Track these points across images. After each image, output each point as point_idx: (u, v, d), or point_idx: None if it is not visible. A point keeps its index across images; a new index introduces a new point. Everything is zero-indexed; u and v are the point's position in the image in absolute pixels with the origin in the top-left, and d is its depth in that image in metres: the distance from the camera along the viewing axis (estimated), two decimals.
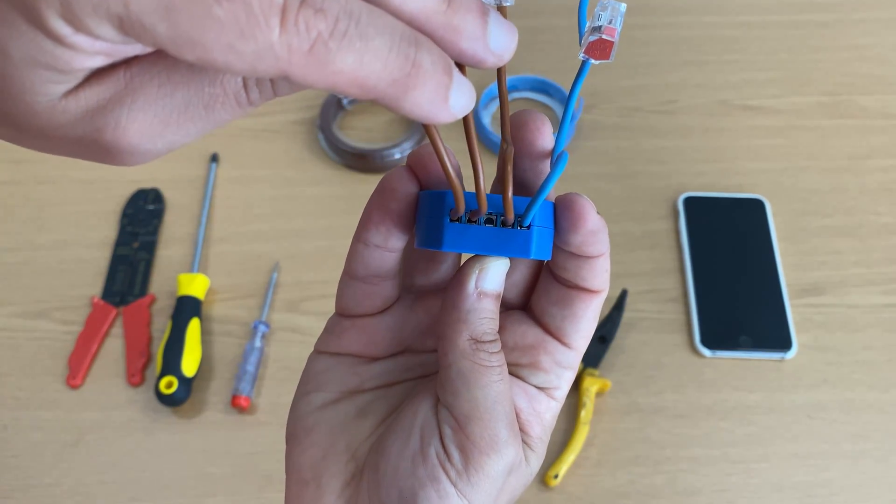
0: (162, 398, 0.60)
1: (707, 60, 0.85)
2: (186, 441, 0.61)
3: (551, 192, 0.28)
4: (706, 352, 0.64)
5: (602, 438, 0.60)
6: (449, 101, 0.21)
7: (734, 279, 0.68)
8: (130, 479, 0.59)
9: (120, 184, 0.74)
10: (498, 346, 0.28)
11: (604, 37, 0.27)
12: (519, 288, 0.31)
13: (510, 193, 0.26)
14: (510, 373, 0.29)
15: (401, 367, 0.31)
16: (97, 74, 0.21)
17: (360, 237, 0.30)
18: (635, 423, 0.61)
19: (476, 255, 0.28)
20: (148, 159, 0.23)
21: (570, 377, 0.30)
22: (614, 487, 0.59)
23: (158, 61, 0.21)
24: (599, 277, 0.29)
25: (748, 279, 0.68)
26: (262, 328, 0.64)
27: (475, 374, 0.27)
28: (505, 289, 0.29)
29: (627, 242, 0.71)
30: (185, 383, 0.61)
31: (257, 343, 0.64)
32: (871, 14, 0.89)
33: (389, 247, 0.29)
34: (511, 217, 0.27)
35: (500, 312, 0.29)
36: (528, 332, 0.30)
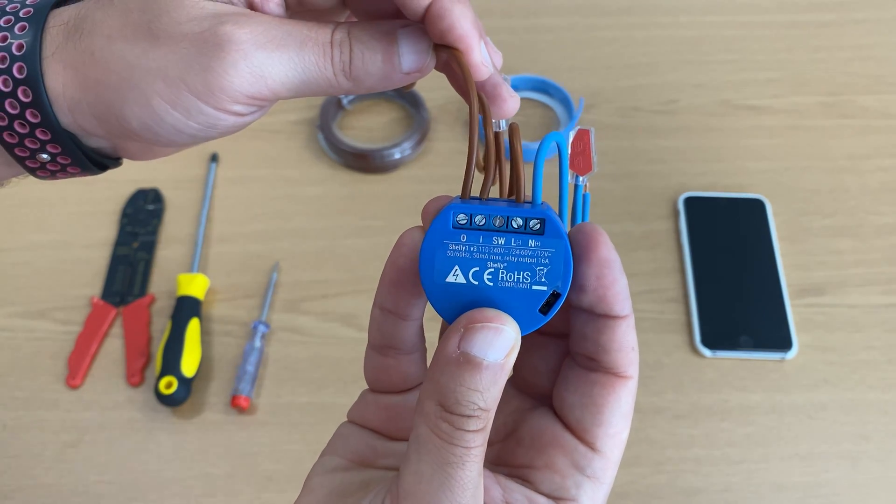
0: (162, 398, 0.60)
1: (707, 60, 0.85)
2: (186, 441, 0.60)
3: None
4: (706, 352, 0.64)
5: None
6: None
7: (734, 279, 0.68)
8: (130, 479, 0.59)
9: (120, 184, 0.74)
10: (479, 425, 0.23)
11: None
12: (550, 375, 0.28)
13: (521, 161, 0.26)
14: (520, 476, 0.26)
15: None
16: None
17: (375, 301, 0.28)
18: (635, 423, 0.61)
19: (472, 313, 0.25)
20: (247, 80, 0.27)
21: (592, 491, 0.25)
22: (614, 487, 0.58)
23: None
24: (625, 356, 0.25)
25: (748, 279, 0.68)
26: (261, 328, 0.64)
27: (430, 444, 0.23)
28: (534, 374, 0.27)
29: (627, 242, 0.71)
30: (185, 383, 0.61)
31: (257, 343, 0.63)
32: (871, 14, 0.89)
33: (403, 313, 0.27)
34: (521, 189, 0.26)
35: (527, 405, 0.27)
36: (547, 428, 0.26)
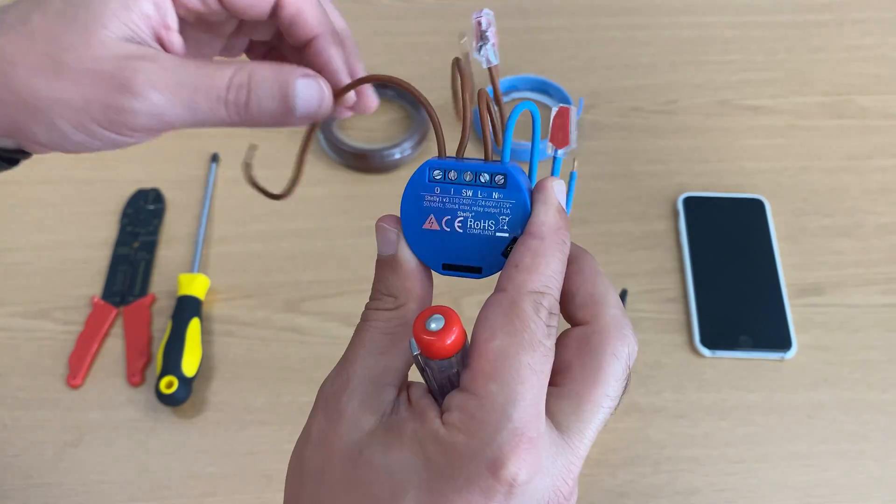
0: (162, 398, 0.60)
1: (707, 60, 0.85)
2: (186, 441, 0.61)
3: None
4: (706, 352, 0.64)
5: (602, 438, 0.60)
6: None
7: (734, 279, 0.68)
8: (130, 479, 0.59)
9: (120, 184, 0.74)
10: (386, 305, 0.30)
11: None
12: None
13: (488, 125, 0.30)
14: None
15: None
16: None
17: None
18: (635, 423, 0.61)
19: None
20: (144, 118, 0.31)
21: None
22: (614, 487, 0.59)
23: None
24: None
25: (748, 279, 0.68)
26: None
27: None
28: None
29: (627, 242, 0.71)
30: (186, 383, 0.61)
31: None
32: (871, 14, 0.89)
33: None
34: (489, 149, 0.30)
35: None
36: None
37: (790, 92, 0.82)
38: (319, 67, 0.35)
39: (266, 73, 0.32)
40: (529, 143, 0.30)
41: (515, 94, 0.81)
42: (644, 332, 0.65)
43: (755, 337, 0.64)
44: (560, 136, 0.30)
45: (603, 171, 0.75)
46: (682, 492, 0.58)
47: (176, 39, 0.34)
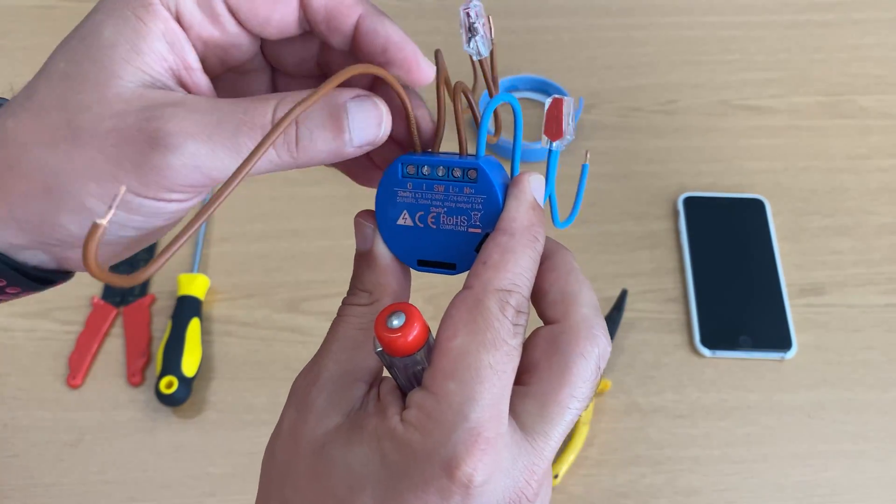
0: (162, 398, 0.60)
1: (707, 60, 0.85)
2: (186, 441, 0.61)
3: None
4: (706, 352, 0.64)
5: (602, 438, 0.60)
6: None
7: (734, 279, 0.68)
8: (130, 479, 0.59)
9: None
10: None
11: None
12: None
13: (462, 118, 0.29)
14: None
15: None
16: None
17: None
18: (635, 423, 0.61)
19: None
20: (181, 174, 0.26)
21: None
22: (614, 487, 0.59)
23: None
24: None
25: (748, 279, 0.68)
26: None
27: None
28: None
29: (627, 242, 0.71)
30: (186, 383, 0.61)
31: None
32: (871, 14, 0.89)
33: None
34: (464, 143, 0.30)
35: None
36: None
37: (790, 92, 0.82)
38: (382, 48, 0.28)
39: (312, 100, 0.27)
40: (536, 143, 0.30)
41: (515, 94, 0.81)
42: (644, 332, 0.65)
43: (755, 337, 0.64)
44: (554, 127, 0.29)
45: (603, 171, 0.75)
46: (682, 492, 0.58)
47: (201, 80, 0.29)
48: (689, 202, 0.72)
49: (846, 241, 0.71)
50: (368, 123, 0.28)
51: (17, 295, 0.31)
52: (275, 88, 0.33)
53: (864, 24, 0.88)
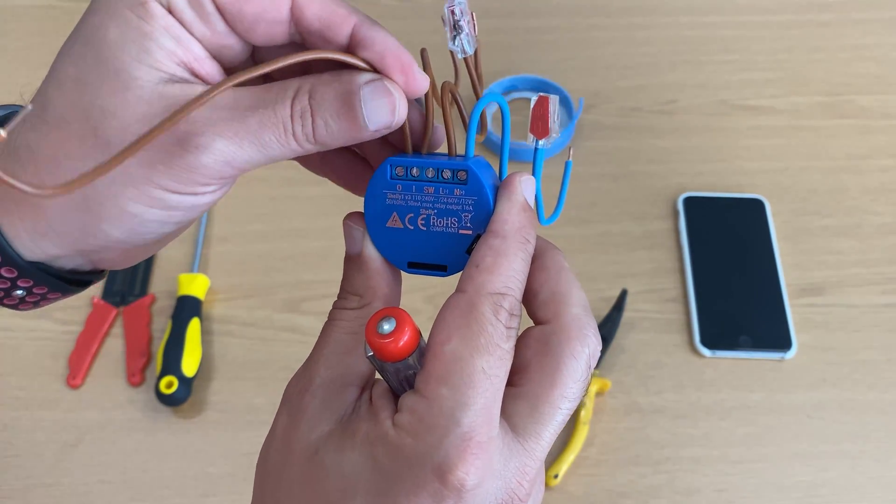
0: (162, 398, 0.60)
1: (707, 60, 0.85)
2: (186, 441, 0.61)
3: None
4: (706, 352, 0.64)
5: (602, 438, 0.60)
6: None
7: (734, 279, 0.68)
8: (130, 479, 0.59)
9: None
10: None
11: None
12: None
13: (451, 119, 0.29)
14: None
15: None
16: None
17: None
18: (635, 423, 0.61)
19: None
20: (212, 169, 0.27)
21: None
22: (614, 487, 0.59)
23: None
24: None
25: (748, 279, 0.68)
26: None
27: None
28: None
29: (627, 242, 0.71)
30: (186, 383, 0.61)
31: None
32: (871, 14, 0.89)
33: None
34: (452, 144, 0.29)
35: None
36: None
37: (790, 92, 0.82)
38: (379, 57, 0.28)
39: (325, 88, 0.27)
40: (528, 142, 0.30)
41: (515, 94, 0.81)
42: (644, 332, 0.65)
43: (755, 337, 0.64)
44: (540, 126, 0.29)
45: (603, 171, 0.75)
46: (682, 492, 0.58)
47: (213, 68, 0.29)
48: (689, 202, 0.72)
49: (846, 241, 0.71)
50: (382, 108, 0.28)
51: (56, 299, 0.31)
52: None
53: (864, 24, 0.88)
